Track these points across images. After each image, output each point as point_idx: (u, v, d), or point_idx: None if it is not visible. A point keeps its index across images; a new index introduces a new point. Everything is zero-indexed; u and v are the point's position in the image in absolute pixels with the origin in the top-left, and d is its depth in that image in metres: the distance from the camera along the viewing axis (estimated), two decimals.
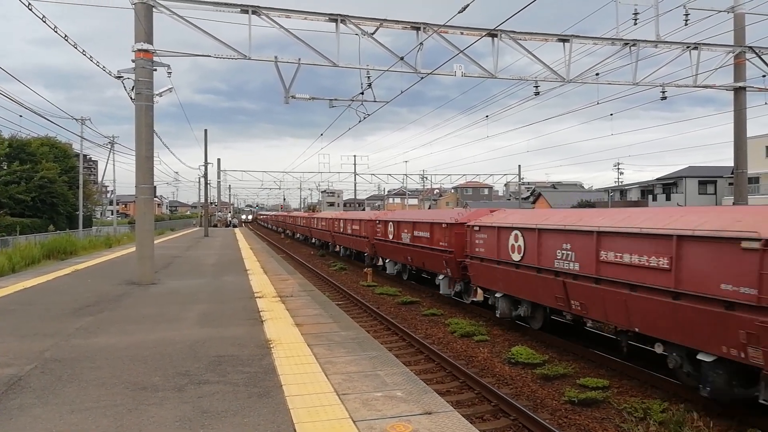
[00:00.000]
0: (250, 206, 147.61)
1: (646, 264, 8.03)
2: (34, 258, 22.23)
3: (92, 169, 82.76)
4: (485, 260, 12.85)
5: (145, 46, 12.40)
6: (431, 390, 5.26)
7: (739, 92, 16.98)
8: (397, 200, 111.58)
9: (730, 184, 47.42)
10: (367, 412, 4.62)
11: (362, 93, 16.29)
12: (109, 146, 44.34)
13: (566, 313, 10.45)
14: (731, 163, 19.05)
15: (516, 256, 11.50)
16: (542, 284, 10.68)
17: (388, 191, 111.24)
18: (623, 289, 8.41)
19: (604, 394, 8.37)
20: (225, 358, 6.32)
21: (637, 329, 8.36)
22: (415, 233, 17.80)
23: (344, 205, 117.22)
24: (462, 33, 14.83)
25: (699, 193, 63.39)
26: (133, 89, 12.58)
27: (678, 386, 8.59)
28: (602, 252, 8.94)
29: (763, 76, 16.87)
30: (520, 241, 11.41)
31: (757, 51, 16.63)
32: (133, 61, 12.52)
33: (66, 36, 12.12)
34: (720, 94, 26.84)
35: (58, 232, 35.91)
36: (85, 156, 47.26)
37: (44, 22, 11.25)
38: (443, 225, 15.46)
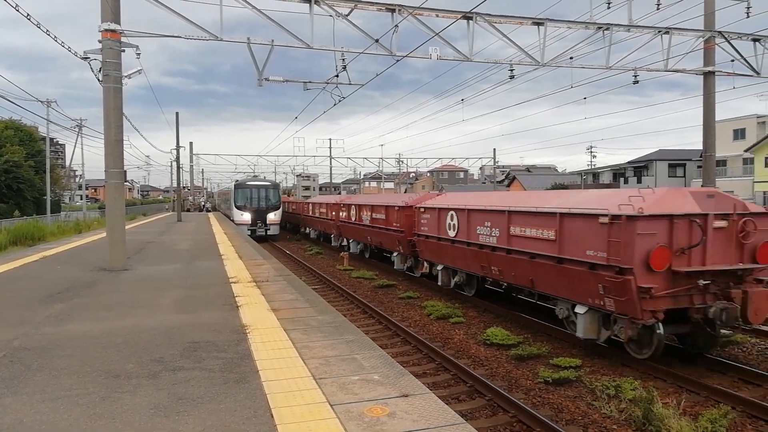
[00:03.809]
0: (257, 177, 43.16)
1: (382, 218, 19.60)
2: (0, 245, 21.67)
3: (59, 153, 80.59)
4: (346, 222, 25.00)
5: (113, 26, 12.03)
6: (408, 372, 5.29)
7: (708, 76, 17.28)
8: (374, 184, 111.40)
9: (699, 167, 48.46)
10: (345, 395, 4.63)
11: (337, 76, 16.13)
12: (76, 129, 43.24)
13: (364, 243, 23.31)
14: (700, 147, 19.44)
15: (353, 218, 23.38)
16: (360, 230, 22.57)
17: (364, 175, 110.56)
18: (376, 229, 20.00)
19: (577, 373, 8.56)
20: (200, 344, 6.26)
21: (379, 244, 20.46)
22: None
23: (320, 188, 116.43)
24: (437, 15, 14.75)
25: (669, 176, 64.74)
26: (100, 71, 12.22)
27: (649, 366, 8.82)
28: (363, 213, 21.77)
29: (732, 60, 17.18)
30: (353, 211, 23.53)
31: (726, 36, 16.90)
32: (99, 41, 12.14)
33: (28, 15, 11.69)
34: (687, 78, 27.21)
35: (25, 217, 35.00)
36: (51, 139, 46.01)
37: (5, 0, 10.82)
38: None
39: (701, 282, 8.46)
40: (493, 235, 12.11)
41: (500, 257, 11.83)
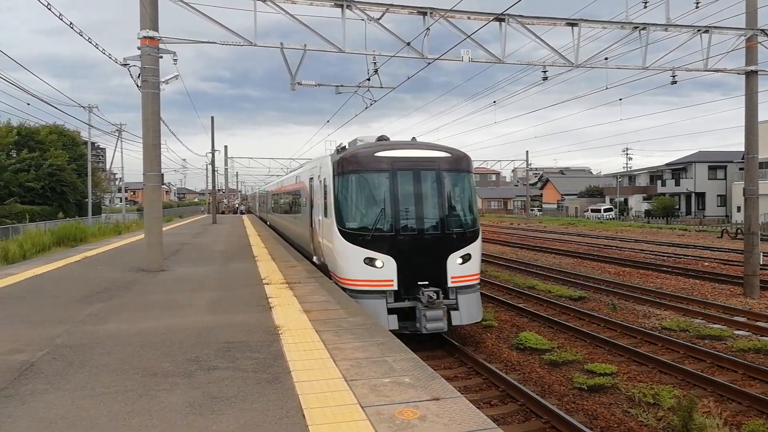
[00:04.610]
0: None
1: None
2: (45, 245, 22.43)
3: (100, 157, 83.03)
4: None
5: (151, 33, 12.36)
6: (439, 376, 5.27)
7: (750, 76, 16.73)
8: None
9: (741, 169, 46.98)
10: (376, 398, 4.64)
11: (368, 79, 16.20)
12: (116, 134, 44.50)
13: None
14: (741, 148, 18.82)
15: None
16: None
17: None
18: None
19: (612, 380, 8.39)
20: (234, 344, 6.36)
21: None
22: None
23: None
24: (469, 18, 14.68)
25: (709, 178, 62.81)
26: (139, 77, 12.56)
27: (689, 373, 8.59)
28: None
29: None
30: None
31: None
32: (138, 48, 12.48)
33: (71, 24, 12.10)
34: (728, 78, 26.45)
35: (68, 219, 36.19)
36: (93, 144, 47.43)
37: (49, 9, 11.23)
38: None
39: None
40: None
41: None
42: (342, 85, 17.47)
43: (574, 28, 15.22)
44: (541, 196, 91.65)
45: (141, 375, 5.29)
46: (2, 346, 6.35)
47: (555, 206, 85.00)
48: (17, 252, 19.13)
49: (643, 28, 15.44)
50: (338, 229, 10.47)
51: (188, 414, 4.34)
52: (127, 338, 6.68)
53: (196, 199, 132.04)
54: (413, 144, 12.08)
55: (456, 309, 10.03)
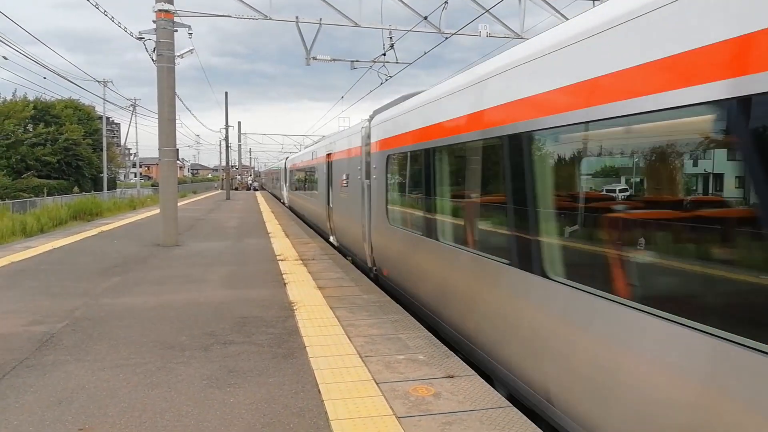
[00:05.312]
0: None
1: None
2: (61, 219, 22.71)
3: (115, 132, 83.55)
4: None
5: (166, 6, 12.27)
6: (453, 354, 5.29)
7: None
8: None
9: None
10: (390, 374, 4.67)
11: (384, 54, 16.00)
12: (131, 109, 44.58)
13: None
14: None
15: None
16: None
17: None
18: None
19: None
20: (249, 319, 6.42)
21: None
22: None
23: None
24: None
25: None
26: (154, 50, 12.52)
27: None
28: None
29: None
30: None
31: None
32: (153, 22, 12.42)
33: None
34: None
35: (84, 193, 36.55)
36: (108, 118, 47.64)
37: None
38: None
39: None
40: None
41: None
42: (357, 60, 17.28)
43: (596, 1, 14.86)
44: None
45: (159, 348, 5.36)
46: (23, 317, 6.47)
47: None
48: (35, 225, 19.40)
49: None
50: None
51: (206, 387, 4.40)
52: (144, 312, 6.77)
53: (209, 175, 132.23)
54: None
55: None
